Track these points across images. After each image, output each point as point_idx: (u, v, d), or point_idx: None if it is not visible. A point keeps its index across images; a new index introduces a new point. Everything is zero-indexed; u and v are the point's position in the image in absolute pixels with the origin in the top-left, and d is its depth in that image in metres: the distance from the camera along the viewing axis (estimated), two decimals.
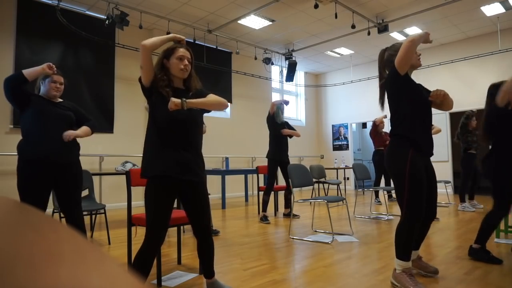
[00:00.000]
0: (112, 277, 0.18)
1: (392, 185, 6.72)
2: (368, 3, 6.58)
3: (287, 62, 8.93)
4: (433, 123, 2.63)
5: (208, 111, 2.19)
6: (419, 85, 2.49)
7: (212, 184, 7.85)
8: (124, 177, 6.74)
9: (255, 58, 8.55)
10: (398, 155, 2.33)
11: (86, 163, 6.39)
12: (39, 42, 6.05)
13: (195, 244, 3.64)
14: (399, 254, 2.31)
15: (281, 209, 6.02)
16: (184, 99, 1.95)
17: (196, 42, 7.55)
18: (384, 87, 2.50)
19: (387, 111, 2.56)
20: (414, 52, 2.32)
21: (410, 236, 2.27)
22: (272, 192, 5.29)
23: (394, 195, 6.87)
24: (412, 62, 2.34)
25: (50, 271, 0.17)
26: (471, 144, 5.54)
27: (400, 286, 2.28)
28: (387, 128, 6.79)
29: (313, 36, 8.21)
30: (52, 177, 2.72)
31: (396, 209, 5.96)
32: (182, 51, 2.08)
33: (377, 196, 7.01)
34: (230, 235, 4.12)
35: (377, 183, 6.72)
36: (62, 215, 3.75)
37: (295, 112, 11.10)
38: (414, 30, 7.94)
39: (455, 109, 8.52)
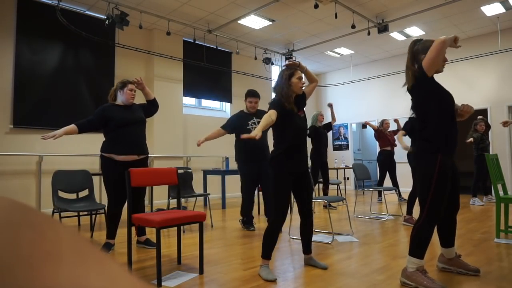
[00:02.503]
0: (112, 277, 0.18)
1: (390, 184, 6.76)
2: (368, 3, 6.58)
3: (287, 62, 8.92)
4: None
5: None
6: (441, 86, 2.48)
7: (212, 184, 7.85)
8: None
9: (255, 58, 8.55)
10: (427, 159, 2.36)
11: (86, 163, 6.39)
12: (39, 42, 6.04)
13: (195, 244, 3.64)
14: (413, 252, 2.32)
15: None
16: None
17: (196, 42, 7.55)
18: (411, 90, 2.47)
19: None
20: (444, 54, 2.32)
21: (427, 236, 2.30)
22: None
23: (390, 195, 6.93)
24: (438, 66, 2.36)
25: (50, 271, 0.17)
26: (485, 148, 6.38)
27: (414, 285, 2.27)
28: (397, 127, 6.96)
29: (313, 36, 8.21)
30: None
31: (396, 209, 5.96)
32: (300, 73, 2.80)
33: (379, 195, 7.12)
34: (230, 235, 4.12)
35: (380, 183, 6.77)
36: (62, 215, 3.75)
37: None
38: (414, 30, 7.94)
39: None
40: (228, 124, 4.44)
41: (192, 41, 7.50)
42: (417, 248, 2.31)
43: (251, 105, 4.38)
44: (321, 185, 6.40)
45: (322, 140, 6.12)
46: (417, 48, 2.47)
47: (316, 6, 6.12)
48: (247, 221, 4.43)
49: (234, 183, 8.48)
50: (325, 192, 6.17)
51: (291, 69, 2.80)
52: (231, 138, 8.65)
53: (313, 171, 6.09)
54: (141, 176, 2.81)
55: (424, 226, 2.31)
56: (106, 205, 3.43)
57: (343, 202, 4.01)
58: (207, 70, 8.28)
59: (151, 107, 3.64)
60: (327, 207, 5.17)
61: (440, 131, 2.35)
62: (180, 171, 4.62)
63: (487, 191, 6.70)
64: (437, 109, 2.37)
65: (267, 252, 2.60)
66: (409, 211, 4.62)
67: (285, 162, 2.64)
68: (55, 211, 3.73)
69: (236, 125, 4.36)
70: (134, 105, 3.54)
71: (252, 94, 4.42)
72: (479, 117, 6.73)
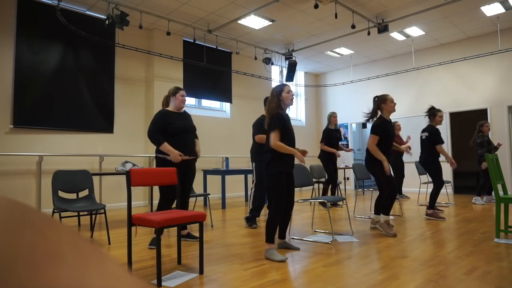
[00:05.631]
0: (112, 277, 0.18)
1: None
2: (368, 3, 6.58)
3: (287, 62, 8.92)
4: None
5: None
6: None
7: (212, 184, 7.85)
8: (124, 177, 6.73)
9: (255, 58, 8.54)
10: (376, 161, 4.00)
11: (86, 163, 6.39)
12: (39, 42, 6.04)
13: (195, 244, 3.64)
14: (386, 212, 3.95)
15: None
16: None
17: (196, 42, 7.55)
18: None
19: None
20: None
21: (393, 200, 3.95)
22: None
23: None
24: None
25: (50, 271, 0.17)
26: (490, 150, 6.50)
27: (383, 231, 3.92)
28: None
29: (313, 36, 8.21)
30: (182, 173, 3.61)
31: (397, 209, 5.96)
32: (288, 87, 3.23)
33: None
34: (230, 235, 4.12)
35: None
36: (62, 215, 3.75)
37: (295, 112, 11.11)
38: (414, 30, 7.94)
39: (455, 109, 8.53)
40: (260, 129, 4.82)
41: (192, 41, 7.50)
42: (387, 209, 3.94)
43: None
44: (318, 187, 6.40)
45: (332, 141, 6.24)
46: (379, 101, 4.44)
47: (316, 6, 6.12)
48: (251, 217, 4.58)
49: (234, 183, 8.48)
50: (325, 192, 6.20)
51: (281, 86, 3.23)
52: (231, 138, 8.71)
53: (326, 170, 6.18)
54: (141, 176, 2.81)
55: (391, 195, 3.91)
56: (158, 202, 3.60)
57: (343, 202, 4.02)
58: (207, 70, 8.28)
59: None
60: (326, 206, 5.19)
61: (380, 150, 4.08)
62: None
63: (490, 191, 6.74)
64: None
65: (271, 236, 3.10)
66: (432, 206, 5.06)
67: (280, 164, 3.18)
68: (55, 211, 3.73)
69: (263, 128, 4.67)
70: (186, 112, 3.80)
71: None
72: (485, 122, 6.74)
